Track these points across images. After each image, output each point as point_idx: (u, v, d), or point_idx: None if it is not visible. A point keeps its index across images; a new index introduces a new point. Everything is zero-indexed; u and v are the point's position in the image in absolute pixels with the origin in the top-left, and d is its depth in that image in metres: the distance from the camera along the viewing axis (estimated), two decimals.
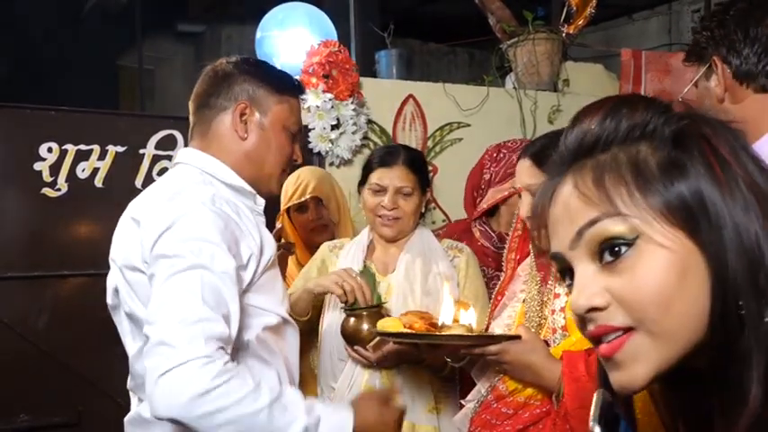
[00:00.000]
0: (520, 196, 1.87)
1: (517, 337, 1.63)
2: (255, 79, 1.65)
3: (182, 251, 1.39)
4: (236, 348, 1.46)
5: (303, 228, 2.74)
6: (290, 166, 1.73)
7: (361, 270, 2.22)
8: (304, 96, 2.79)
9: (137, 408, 1.60)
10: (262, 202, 1.67)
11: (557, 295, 1.75)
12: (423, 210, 2.33)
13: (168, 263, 1.39)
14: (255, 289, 1.54)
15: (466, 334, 1.63)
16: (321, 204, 2.74)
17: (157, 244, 1.42)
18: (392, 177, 2.24)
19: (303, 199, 2.67)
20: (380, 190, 2.24)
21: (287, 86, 1.69)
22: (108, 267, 1.64)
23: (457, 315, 1.71)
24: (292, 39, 3.38)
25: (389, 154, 2.33)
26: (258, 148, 1.63)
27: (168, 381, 1.27)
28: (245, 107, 1.62)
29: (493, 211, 2.71)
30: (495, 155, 2.69)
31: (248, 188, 1.64)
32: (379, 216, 2.25)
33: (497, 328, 1.84)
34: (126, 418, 1.62)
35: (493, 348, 1.62)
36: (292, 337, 1.70)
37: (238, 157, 1.62)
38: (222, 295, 1.38)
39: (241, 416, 1.29)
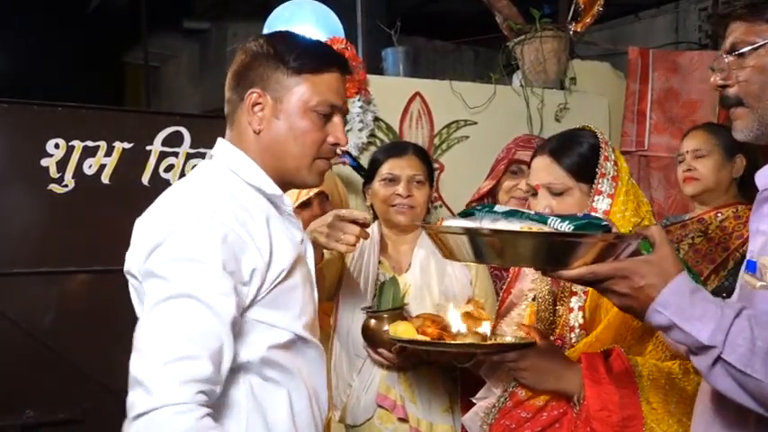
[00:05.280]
0: (535, 195, 1.81)
1: (532, 344, 1.62)
2: (271, 61, 1.48)
3: (170, 273, 1.30)
4: (236, 369, 1.37)
5: (305, 224, 2.72)
6: (329, 153, 1.53)
7: (384, 282, 2.18)
8: None
9: None
10: (288, 201, 1.54)
11: (573, 293, 1.74)
12: (429, 204, 2.35)
13: (156, 285, 1.32)
14: (264, 304, 1.41)
15: (480, 342, 1.63)
16: (326, 201, 2.72)
17: (148, 260, 1.35)
18: (404, 167, 2.26)
19: (310, 195, 2.66)
20: (393, 179, 2.26)
21: (307, 63, 1.48)
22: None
23: (471, 324, 1.70)
24: None
25: (397, 146, 2.36)
26: (276, 139, 1.48)
27: (141, 424, 1.22)
28: (258, 96, 1.47)
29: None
30: (507, 145, 2.72)
31: (270, 190, 1.50)
32: (393, 205, 2.26)
33: (506, 327, 1.84)
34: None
35: (511, 355, 1.61)
36: (313, 356, 1.54)
37: (258, 151, 1.49)
38: (210, 328, 1.28)
39: None
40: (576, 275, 1.19)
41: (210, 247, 1.32)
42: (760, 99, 1.25)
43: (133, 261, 1.42)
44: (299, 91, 1.47)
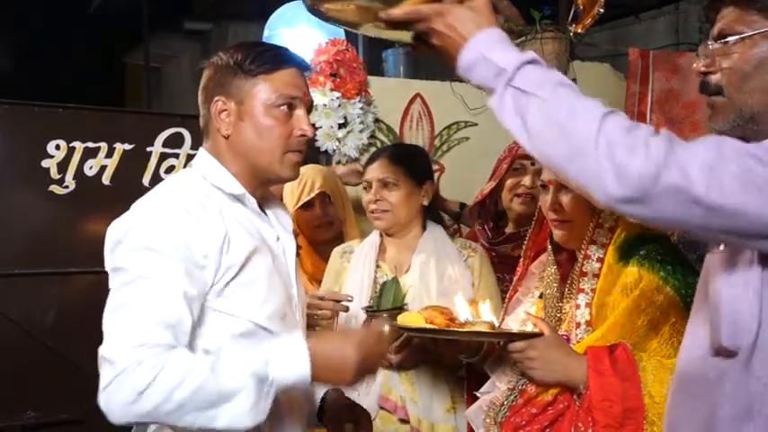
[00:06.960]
0: (545, 188, 1.80)
1: (539, 334, 1.64)
2: (229, 69, 1.56)
3: (126, 263, 1.42)
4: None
5: (308, 225, 2.71)
6: (298, 145, 1.58)
7: (385, 282, 2.22)
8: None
9: None
10: (252, 201, 1.59)
11: (581, 290, 1.77)
12: (425, 202, 2.32)
13: (117, 275, 1.43)
14: (220, 293, 1.47)
15: (488, 331, 1.64)
16: (328, 201, 2.72)
17: (112, 256, 1.46)
18: (374, 171, 2.29)
19: (311, 196, 2.66)
20: (368, 185, 2.30)
21: (260, 65, 1.55)
22: None
23: (477, 312, 1.71)
24: (300, 37, 3.39)
25: (378, 151, 2.42)
26: (245, 140, 1.55)
27: (109, 394, 1.33)
28: (223, 103, 1.55)
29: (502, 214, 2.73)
30: (509, 146, 2.72)
31: (229, 189, 1.56)
32: (371, 211, 2.29)
33: (512, 323, 1.85)
34: None
35: (520, 344, 1.64)
36: None
37: (231, 155, 1.57)
38: (163, 300, 1.37)
39: (190, 393, 1.30)
40: (403, 13, 1.24)
41: (161, 237, 1.42)
42: (740, 90, 1.22)
43: (105, 261, 1.51)
44: (258, 91, 1.55)
